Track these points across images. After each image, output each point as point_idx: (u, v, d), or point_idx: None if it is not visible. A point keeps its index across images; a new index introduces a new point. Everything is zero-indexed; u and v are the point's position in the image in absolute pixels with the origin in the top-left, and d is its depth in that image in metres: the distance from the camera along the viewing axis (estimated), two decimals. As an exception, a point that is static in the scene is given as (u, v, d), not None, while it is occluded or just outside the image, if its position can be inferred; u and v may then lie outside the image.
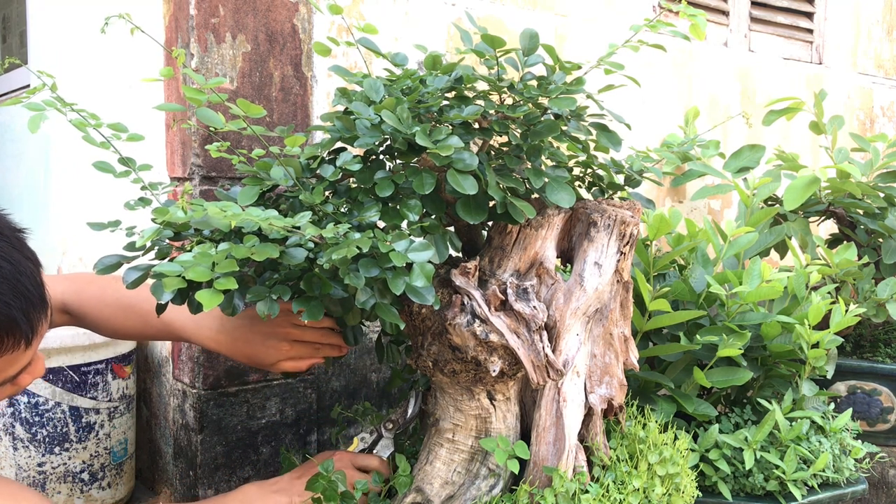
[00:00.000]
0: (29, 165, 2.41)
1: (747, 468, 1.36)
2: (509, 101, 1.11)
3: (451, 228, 1.19)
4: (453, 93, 1.09)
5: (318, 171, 1.09)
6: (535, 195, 1.17)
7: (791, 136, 2.59)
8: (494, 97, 1.11)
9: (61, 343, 1.53)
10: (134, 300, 1.23)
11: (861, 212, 2.00)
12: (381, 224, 1.02)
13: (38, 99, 0.99)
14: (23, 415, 1.55)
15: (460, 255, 1.23)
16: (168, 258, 1.03)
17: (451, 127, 1.04)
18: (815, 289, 1.68)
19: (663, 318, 1.43)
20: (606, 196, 1.32)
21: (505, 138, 1.11)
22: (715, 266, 1.60)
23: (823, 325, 1.53)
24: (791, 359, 1.52)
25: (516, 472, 1.16)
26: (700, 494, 1.30)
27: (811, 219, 2.10)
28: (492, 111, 1.07)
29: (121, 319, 1.24)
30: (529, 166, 1.11)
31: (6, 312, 0.86)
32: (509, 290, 1.10)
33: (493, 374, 1.09)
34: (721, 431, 1.43)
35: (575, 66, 1.12)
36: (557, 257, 1.22)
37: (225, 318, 1.20)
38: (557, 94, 1.08)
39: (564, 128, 1.13)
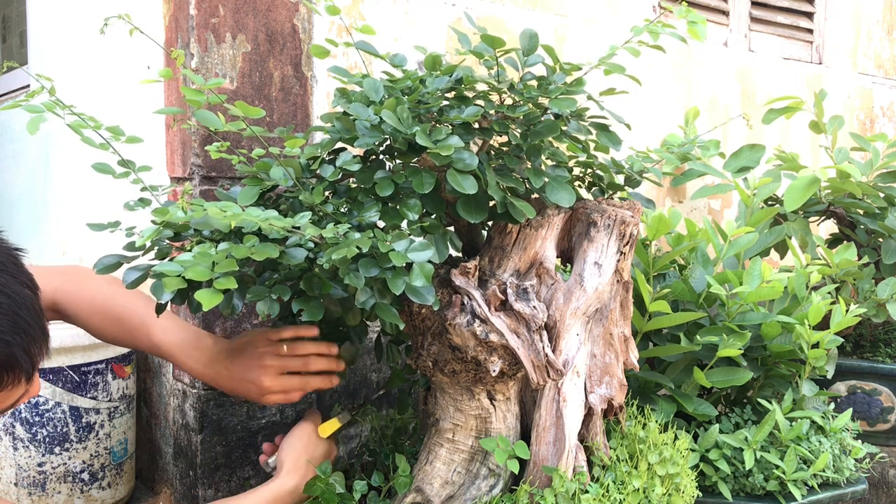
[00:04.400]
0: (29, 165, 2.41)
1: (747, 468, 1.36)
2: (509, 101, 1.11)
3: (451, 228, 1.19)
4: (453, 93, 1.09)
5: (317, 172, 1.09)
6: (535, 195, 1.17)
7: (791, 135, 2.59)
8: (494, 97, 1.11)
9: (61, 343, 1.53)
10: (122, 312, 1.20)
11: (861, 212, 2.00)
12: (381, 224, 1.02)
13: (38, 101, 0.99)
14: (23, 415, 1.55)
15: (460, 254, 1.23)
16: (168, 258, 1.03)
17: (451, 127, 1.04)
18: (815, 289, 1.68)
19: (663, 319, 1.43)
20: (606, 196, 1.32)
21: (505, 138, 1.11)
22: (715, 266, 1.60)
23: (824, 325, 1.53)
24: (791, 359, 1.52)
25: (516, 472, 1.16)
26: (700, 494, 1.30)
27: (811, 219, 2.10)
28: (492, 111, 1.07)
29: (110, 328, 1.22)
30: (529, 166, 1.11)
31: (6, 351, 0.84)
32: (509, 290, 1.10)
33: (493, 374, 1.09)
34: (721, 431, 1.43)
35: (575, 66, 1.12)
36: (557, 257, 1.22)
37: (210, 352, 1.17)
38: (557, 95, 1.08)
39: (564, 128, 1.13)
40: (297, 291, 1.01)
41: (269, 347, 1.14)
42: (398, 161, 1.08)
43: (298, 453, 1.16)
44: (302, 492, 1.14)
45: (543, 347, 1.08)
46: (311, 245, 0.97)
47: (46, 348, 0.90)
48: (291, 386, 1.15)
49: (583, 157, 1.23)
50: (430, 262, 0.96)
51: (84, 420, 1.59)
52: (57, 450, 1.57)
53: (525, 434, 1.21)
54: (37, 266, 1.18)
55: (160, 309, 1.07)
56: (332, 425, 1.22)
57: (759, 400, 1.50)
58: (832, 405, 1.57)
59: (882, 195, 1.98)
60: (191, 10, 1.45)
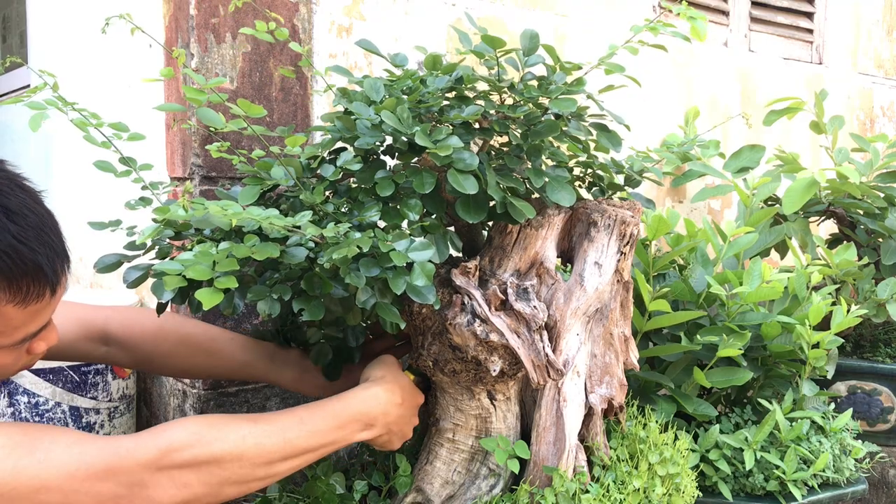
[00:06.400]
0: (29, 165, 2.41)
1: (747, 468, 1.36)
2: (509, 101, 1.11)
3: (452, 228, 1.19)
4: (453, 93, 1.09)
5: (318, 171, 1.09)
6: (536, 195, 1.17)
7: (791, 135, 2.59)
8: (495, 97, 1.11)
9: (61, 343, 1.53)
10: (202, 338, 1.21)
11: (861, 212, 2.00)
12: (382, 224, 1.02)
13: (39, 98, 0.99)
14: (23, 415, 1.54)
15: (461, 254, 1.23)
16: (168, 257, 1.03)
17: (451, 127, 1.04)
18: (815, 289, 1.68)
19: (663, 319, 1.43)
20: (606, 196, 1.32)
21: (505, 138, 1.11)
22: (715, 266, 1.60)
23: (824, 325, 1.53)
24: (791, 359, 1.52)
25: (516, 472, 1.16)
26: (700, 494, 1.30)
27: (811, 219, 2.10)
28: (492, 111, 1.07)
29: (183, 356, 1.21)
30: (530, 166, 1.11)
31: (32, 258, 0.86)
32: (509, 290, 1.10)
33: (494, 374, 1.09)
34: (721, 431, 1.43)
35: (575, 66, 1.12)
36: (558, 257, 1.22)
37: (304, 360, 1.24)
38: (558, 95, 1.09)
39: (565, 128, 1.13)
40: (297, 291, 1.01)
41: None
42: (398, 161, 1.08)
43: (383, 371, 1.10)
44: (389, 405, 1.05)
45: (544, 347, 1.08)
46: (312, 244, 0.97)
47: (68, 269, 0.93)
48: None
49: (583, 157, 1.23)
50: (430, 261, 0.96)
51: (84, 420, 1.58)
52: (57, 449, 1.57)
53: (525, 434, 1.21)
54: (78, 303, 1.18)
55: (160, 308, 1.07)
56: (406, 376, 1.17)
57: (760, 400, 1.50)
58: (832, 405, 1.57)
59: (882, 195, 1.98)
60: (191, 10, 1.45)
